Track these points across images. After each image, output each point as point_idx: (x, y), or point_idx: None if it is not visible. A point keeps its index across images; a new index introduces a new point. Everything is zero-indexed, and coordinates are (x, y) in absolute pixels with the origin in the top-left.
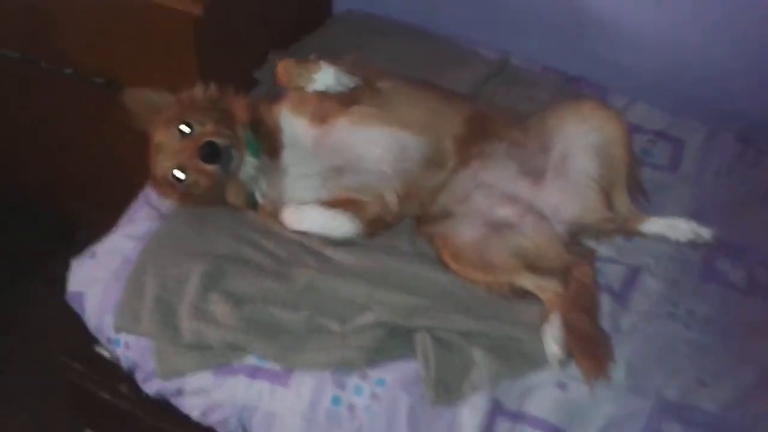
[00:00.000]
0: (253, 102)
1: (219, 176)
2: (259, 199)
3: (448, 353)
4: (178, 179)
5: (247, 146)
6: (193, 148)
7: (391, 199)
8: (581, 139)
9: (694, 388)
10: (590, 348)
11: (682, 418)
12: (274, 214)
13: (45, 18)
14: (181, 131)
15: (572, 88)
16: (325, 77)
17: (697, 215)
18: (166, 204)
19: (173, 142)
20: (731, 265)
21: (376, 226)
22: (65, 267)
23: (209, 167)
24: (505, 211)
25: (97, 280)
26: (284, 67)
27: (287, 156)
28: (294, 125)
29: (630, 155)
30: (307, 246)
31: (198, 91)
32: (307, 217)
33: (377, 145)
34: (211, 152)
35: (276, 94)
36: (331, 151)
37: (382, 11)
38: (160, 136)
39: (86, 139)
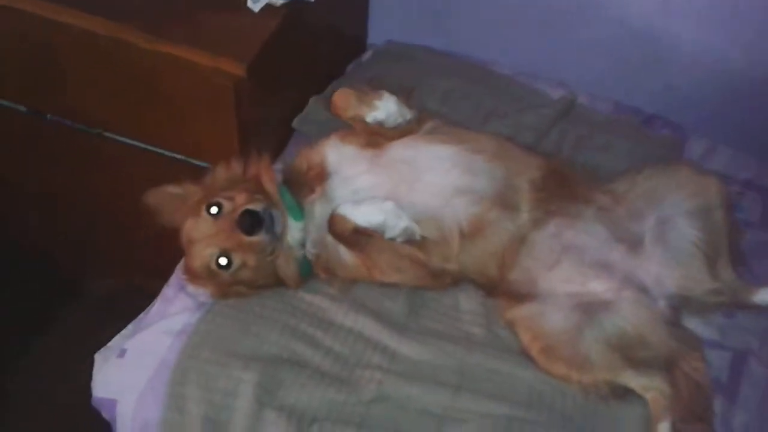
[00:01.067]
0: (285, 163)
1: (267, 245)
2: (310, 255)
3: None
4: (223, 266)
5: (287, 209)
6: (230, 224)
7: (453, 233)
8: (680, 206)
9: None
10: None
11: None
12: (328, 266)
13: (60, 76)
14: (211, 214)
15: (648, 131)
16: (388, 105)
17: None
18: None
19: (206, 227)
20: None
21: (435, 275)
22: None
23: (255, 238)
24: (600, 284)
25: (130, 388)
26: (343, 96)
27: (334, 182)
28: (343, 152)
29: (732, 222)
30: (369, 337)
31: (220, 172)
32: (364, 208)
33: (442, 160)
34: (251, 220)
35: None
36: (388, 167)
37: (423, 40)
38: (191, 226)
39: (99, 197)
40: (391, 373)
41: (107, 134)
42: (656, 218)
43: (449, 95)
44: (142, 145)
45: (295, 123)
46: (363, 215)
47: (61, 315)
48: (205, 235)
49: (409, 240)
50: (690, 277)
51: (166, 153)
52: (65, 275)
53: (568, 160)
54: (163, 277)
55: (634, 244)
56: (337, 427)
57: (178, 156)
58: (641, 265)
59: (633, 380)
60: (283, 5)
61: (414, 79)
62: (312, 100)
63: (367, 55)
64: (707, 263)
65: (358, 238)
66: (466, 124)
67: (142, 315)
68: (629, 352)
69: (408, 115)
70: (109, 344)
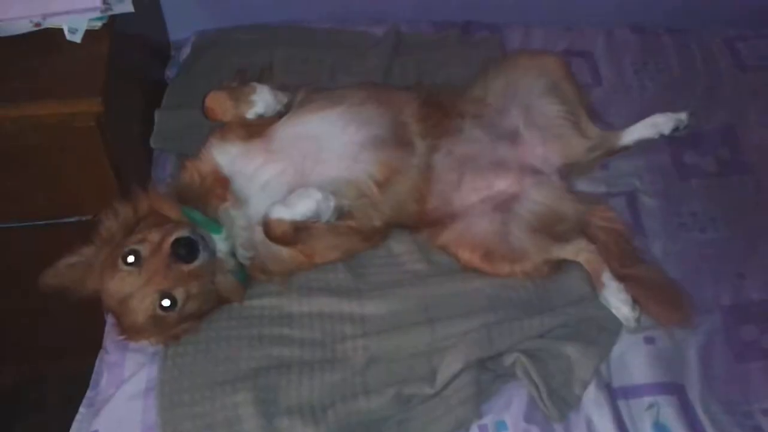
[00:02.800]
0: (172, 182)
1: (207, 266)
2: (245, 260)
3: (544, 363)
4: (167, 308)
5: (202, 227)
6: (161, 262)
7: (371, 187)
8: (533, 89)
9: (739, 285)
10: (664, 297)
11: (750, 317)
12: (264, 266)
13: None
14: (129, 264)
15: (470, 37)
16: (264, 96)
17: (643, 116)
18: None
19: (133, 278)
20: (697, 154)
21: (367, 237)
22: None
23: (196, 263)
24: (502, 182)
25: None
26: (217, 99)
27: (239, 184)
28: (230, 152)
29: (578, 86)
30: (331, 314)
31: (110, 222)
32: (295, 203)
33: (334, 123)
34: (187, 247)
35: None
36: (284, 150)
37: (228, 22)
38: (115, 285)
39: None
40: (369, 335)
41: None
42: (520, 108)
43: (288, 62)
44: (10, 225)
45: (152, 142)
46: (297, 211)
47: None
48: (136, 286)
49: (340, 215)
50: (568, 144)
51: (41, 222)
52: None
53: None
54: (67, 357)
55: (513, 136)
56: (349, 403)
57: (57, 221)
58: (527, 152)
59: (563, 251)
60: (102, 26)
61: (247, 59)
62: (157, 114)
63: (184, 53)
64: (575, 128)
65: (298, 234)
66: (318, 85)
67: (89, 393)
68: (550, 228)
69: (284, 98)
70: None
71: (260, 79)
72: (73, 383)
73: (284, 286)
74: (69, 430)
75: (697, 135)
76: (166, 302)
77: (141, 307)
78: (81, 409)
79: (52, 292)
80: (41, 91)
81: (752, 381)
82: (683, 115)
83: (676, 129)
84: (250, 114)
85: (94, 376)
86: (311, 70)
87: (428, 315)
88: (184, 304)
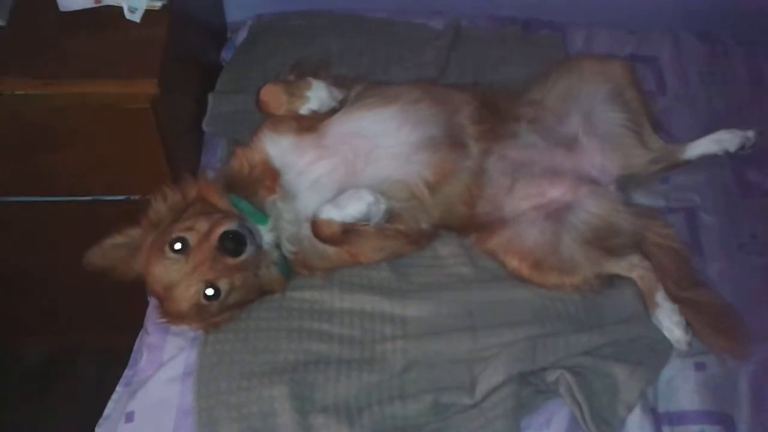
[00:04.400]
0: (221, 168)
1: (254, 261)
2: (289, 254)
3: (589, 382)
4: (211, 297)
5: (249, 216)
6: (208, 253)
7: (421, 189)
8: (596, 96)
9: None
10: (719, 324)
11: None
12: (308, 261)
13: None
14: (176, 251)
15: (531, 35)
16: (319, 93)
17: (707, 128)
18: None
19: (179, 266)
20: (761, 173)
21: (414, 240)
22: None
23: (242, 258)
24: (556, 190)
25: None
26: (272, 92)
27: (288, 178)
28: (281, 144)
29: (642, 94)
30: (372, 312)
31: (158, 205)
32: (346, 205)
33: (388, 121)
34: (235, 241)
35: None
36: (336, 147)
37: (287, 6)
38: (160, 271)
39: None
40: (409, 337)
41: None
42: (580, 114)
43: (344, 54)
44: (62, 199)
45: (204, 125)
46: (347, 212)
47: None
48: (182, 274)
49: (390, 218)
50: (628, 155)
51: (91, 198)
52: None
53: (479, 84)
54: (102, 331)
55: (571, 144)
56: (385, 406)
57: (107, 198)
58: (584, 160)
59: (616, 266)
60: (162, 6)
61: (303, 47)
62: (210, 97)
63: (241, 35)
64: (637, 138)
65: (346, 235)
66: (370, 78)
67: (127, 372)
68: (604, 242)
69: (339, 95)
70: (106, 413)
71: (316, 73)
72: (108, 357)
73: (326, 280)
74: (101, 403)
75: (763, 152)
76: (210, 292)
77: (185, 296)
78: (118, 388)
79: (95, 270)
80: (97, 69)
81: None
82: (751, 133)
83: (741, 147)
84: (304, 110)
85: (133, 355)
86: (366, 62)
87: (471, 321)
88: (228, 295)
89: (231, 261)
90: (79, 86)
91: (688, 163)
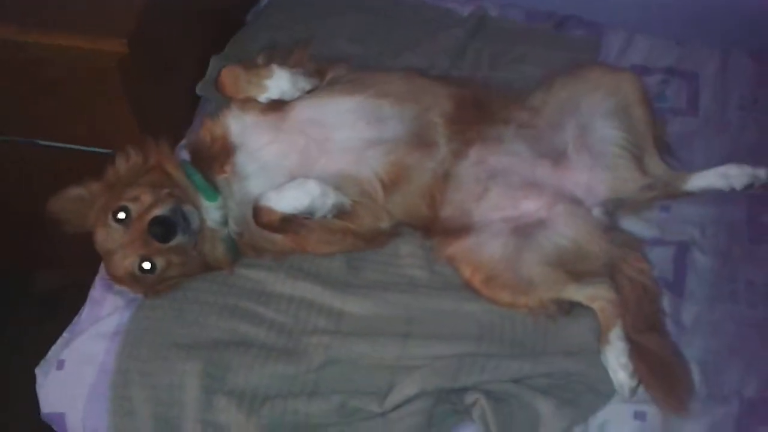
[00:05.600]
0: (190, 136)
1: (188, 244)
2: (234, 234)
3: (509, 411)
4: (147, 270)
5: (200, 190)
6: (141, 232)
7: (375, 186)
8: (597, 109)
9: None
10: (664, 376)
11: None
12: (255, 244)
13: None
14: (119, 220)
15: (563, 35)
16: (280, 82)
17: (731, 160)
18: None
19: (119, 236)
20: None
21: (369, 238)
22: None
23: (171, 244)
24: (532, 204)
25: (75, 398)
26: (231, 76)
27: (242, 158)
28: (244, 121)
29: (652, 114)
30: (312, 301)
31: (120, 164)
32: (288, 195)
33: (346, 114)
34: (163, 228)
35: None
36: (293, 132)
37: None
38: (102, 235)
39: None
40: (339, 334)
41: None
42: (575, 126)
43: (356, 32)
44: (45, 143)
45: (198, 89)
46: (288, 203)
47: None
48: (119, 244)
49: (340, 213)
50: (620, 178)
51: (71, 147)
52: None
53: (486, 79)
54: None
55: (558, 157)
56: (289, 401)
57: (83, 148)
58: (569, 177)
59: (577, 293)
60: None
61: (318, 20)
62: (212, 60)
63: (264, 1)
64: (634, 161)
65: (287, 224)
66: (378, 60)
67: (75, 320)
68: (570, 266)
69: (307, 85)
70: (47, 356)
71: (287, 59)
72: None
73: (276, 260)
74: None
75: None
76: (146, 266)
77: (121, 264)
78: (64, 334)
79: (53, 218)
80: (72, 22)
81: None
82: (762, 172)
83: (750, 186)
84: (262, 98)
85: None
86: (377, 42)
87: (407, 328)
88: (164, 270)
89: (160, 245)
90: (52, 37)
91: (689, 195)
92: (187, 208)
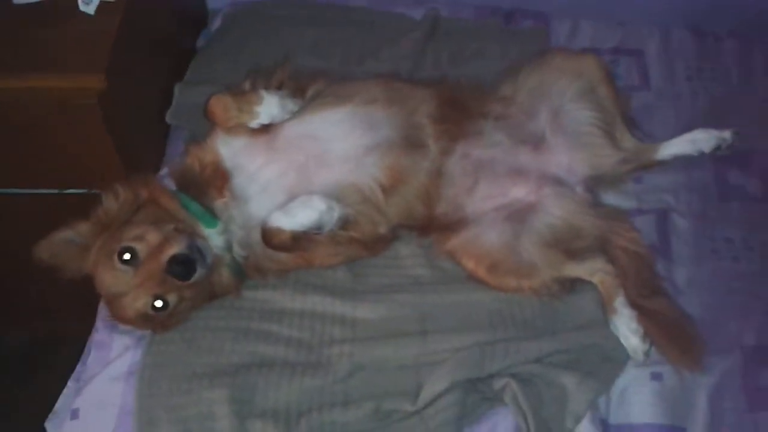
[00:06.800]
0: (175, 164)
1: (203, 278)
2: (239, 258)
3: (537, 391)
4: (159, 309)
5: (198, 218)
6: (157, 271)
7: (375, 191)
8: (566, 92)
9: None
10: (675, 336)
11: None
12: (261, 265)
13: None
14: (124, 261)
15: (512, 27)
16: (270, 108)
17: (690, 128)
18: None
19: (128, 278)
20: (743, 174)
21: (370, 245)
22: None
23: (191, 281)
24: (519, 190)
25: None
26: (220, 105)
27: (239, 181)
28: (233, 145)
29: (616, 92)
30: (323, 313)
31: (109, 202)
32: (296, 213)
33: (339, 124)
34: (184, 267)
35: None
36: (287, 150)
37: None
38: (109, 279)
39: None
40: (357, 341)
41: None
42: (548, 111)
43: (317, 45)
44: (19, 191)
45: (168, 118)
46: (297, 221)
47: None
48: (130, 286)
49: (344, 224)
50: (597, 155)
51: (49, 192)
52: None
53: (450, 78)
54: (84, 321)
55: (537, 142)
56: (324, 413)
57: (64, 191)
58: (550, 159)
59: (577, 269)
60: None
61: (275, 37)
62: (177, 89)
63: (216, 23)
64: (607, 137)
65: (297, 242)
66: (342, 70)
67: (78, 368)
68: (565, 244)
69: (295, 106)
70: (56, 408)
71: (271, 80)
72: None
73: (279, 278)
74: None
75: (747, 154)
76: (158, 304)
77: (133, 306)
78: (69, 383)
79: (44, 266)
80: (45, 63)
81: None
82: (727, 134)
83: (717, 148)
84: (253, 124)
85: (85, 351)
86: (339, 54)
87: (423, 326)
88: (176, 306)
89: (180, 283)
90: (26, 80)
91: (662, 164)
92: (200, 241)
